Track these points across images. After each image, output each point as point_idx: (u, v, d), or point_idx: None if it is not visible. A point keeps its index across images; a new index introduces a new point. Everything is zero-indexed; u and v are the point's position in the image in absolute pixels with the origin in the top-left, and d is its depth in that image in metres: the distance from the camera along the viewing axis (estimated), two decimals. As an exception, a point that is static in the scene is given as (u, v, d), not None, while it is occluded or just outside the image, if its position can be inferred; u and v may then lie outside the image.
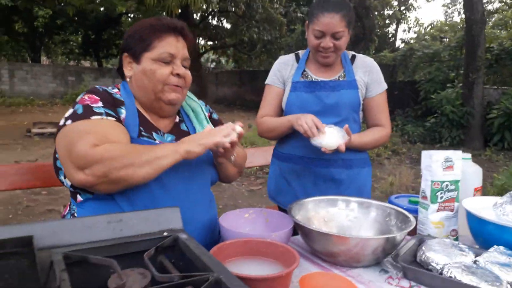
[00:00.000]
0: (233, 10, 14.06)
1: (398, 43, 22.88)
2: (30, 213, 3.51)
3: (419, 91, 10.11)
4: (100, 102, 1.16)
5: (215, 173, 1.33)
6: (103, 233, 0.90)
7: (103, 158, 1.03)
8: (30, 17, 16.47)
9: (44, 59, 22.09)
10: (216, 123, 1.41)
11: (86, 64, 22.12)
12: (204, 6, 13.50)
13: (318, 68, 1.77)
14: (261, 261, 0.97)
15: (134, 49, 1.24)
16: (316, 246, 1.06)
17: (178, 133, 1.29)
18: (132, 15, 14.33)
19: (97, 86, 1.24)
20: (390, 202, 1.36)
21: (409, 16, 27.18)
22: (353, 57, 1.80)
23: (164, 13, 11.07)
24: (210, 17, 16.00)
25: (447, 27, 18.64)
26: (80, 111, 1.12)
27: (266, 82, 1.85)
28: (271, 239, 0.99)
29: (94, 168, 1.03)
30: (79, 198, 1.17)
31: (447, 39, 14.91)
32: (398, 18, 20.66)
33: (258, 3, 12.32)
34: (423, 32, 21.92)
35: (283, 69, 1.82)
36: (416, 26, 28.45)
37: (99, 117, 1.11)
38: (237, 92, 17.65)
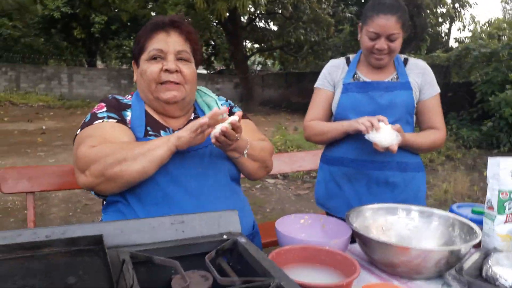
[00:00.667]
0: (280, 12, 14.09)
1: (452, 43, 21.90)
2: (88, 211, 3.70)
3: (475, 93, 9.60)
4: (104, 108, 1.22)
5: (233, 168, 1.29)
6: (167, 234, 0.94)
7: (97, 157, 1.06)
8: (88, 24, 17.40)
9: (99, 63, 23.21)
10: None
11: (138, 67, 22.95)
12: (252, 9, 13.63)
13: (370, 70, 1.75)
14: (319, 269, 0.96)
15: (135, 54, 1.29)
16: (375, 256, 1.04)
17: None
18: (181, 20, 14.70)
19: (109, 96, 1.31)
20: (452, 212, 1.31)
21: (464, 14, 25.94)
22: (406, 60, 1.78)
23: (212, 16, 11.30)
24: (257, 19, 16.12)
25: (505, 25, 17.58)
26: (87, 119, 1.20)
27: (316, 85, 1.83)
28: (330, 247, 0.98)
29: (92, 169, 1.07)
30: (104, 203, 1.23)
31: (506, 37, 14.07)
32: (452, 16, 19.76)
33: (305, 4, 12.24)
34: (479, 30, 20.85)
35: (333, 72, 1.79)
36: (471, 24, 27.10)
37: (100, 121, 1.17)
38: (283, 94, 17.62)
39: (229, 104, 1.43)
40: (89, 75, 17.14)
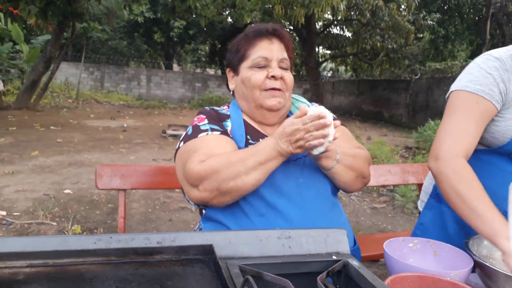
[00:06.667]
0: (356, 18, 13.75)
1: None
2: (166, 209, 3.81)
3: None
4: (206, 119, 1.21)
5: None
6: (273, 248, 0.90)
7: (209, 173, 1.04)
8: (167, 28, 18.31)
9: (175, 66, 24.28)
10: None
11: (211, 72, 23.71)
12: (330, 16, 13.44)
13: None
14: (438, 302, 0.86)
15: (233, 62, 1.28)
16: (504, 293, 0.91)
17: None
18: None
19: (206, 108, 1.30)
20: None
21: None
22: None
23: (287, 22, 11.31)
24: (332, 25, 15.88)
25: None
26: (190, 132, 1.19)
27: (467, 89, 1.17)
28: (451, 278, 0.88)
29: (205, 184, 1.05)
30: (204, 212, 1.21)
31: None
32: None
33: (384, 10, 11.81)
34: None
35: (507, 80, 1.17)
36: None
37: (204, 133, 1.16)
38: (354, 102, 17.18)
39: None
40: (166, 77, 17.99)
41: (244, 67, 1.24)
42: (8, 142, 6.23)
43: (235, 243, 0.88)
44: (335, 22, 15.20)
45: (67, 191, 4.09)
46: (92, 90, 16.75)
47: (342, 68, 23.22)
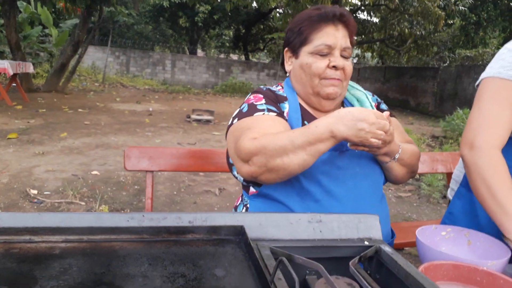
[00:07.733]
0: (384, 3, 13.38)
1: None
2: (191, 192, 3.86)
3: None
4: (263, 99, 1.19)
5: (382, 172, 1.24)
6: (304, 232, 0.89)
7: (259, 149, 1.03)
8: (192, 13, 18.29)
9: (199, 52, 24.31)
10: None
11: (235, 57, 23.64)
12: (357, 1, 13.13)
13: None
14: (474, 291, 0.84)
15: (293, 43, 1.23)
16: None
17: None
18: (281, 10, 14.76)
19: (261, 86, 1.28)
20: None
21: None
22: None
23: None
24: (359, 11, 15.53)
25: None
26: (245, 109, 1.17)
27: (501, 75, 1.13)
28: (487, 268, 0.85)
29: (254, 159, 1.04)
30: (252, 190, 1.21)
31: None
32: None
33: (414, -5, 11.47)
34: None
35: None
36: None
37: (261, 113, 1.14)
38: (380, 89, 16.86)
39: (376, 100, 1.35)
40: (190, 62, 18.05)
41: (305, 52, 1.20)
42: (39, 124, 6.40)
43: (266, 225, 0.87)
44: (362, 8, 14.85)
45: (94, 172, 4.18)
46: (118, 74, 16.98)
47: (368, 55, 22.77)
